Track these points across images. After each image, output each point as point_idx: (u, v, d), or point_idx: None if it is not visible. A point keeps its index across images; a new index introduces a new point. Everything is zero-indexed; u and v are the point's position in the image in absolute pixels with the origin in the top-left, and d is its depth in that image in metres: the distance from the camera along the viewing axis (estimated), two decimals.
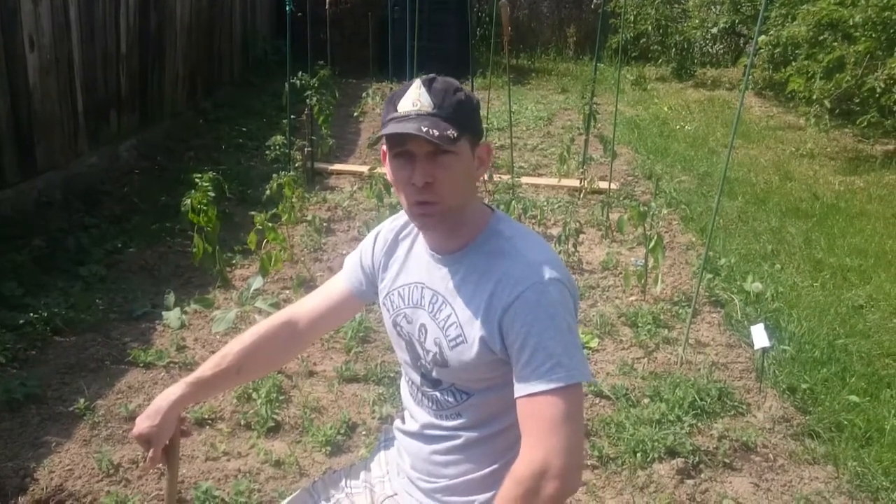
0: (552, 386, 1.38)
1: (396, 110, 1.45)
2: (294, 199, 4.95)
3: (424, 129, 1.39)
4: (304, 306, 1.77)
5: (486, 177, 5.35)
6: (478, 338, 1.47)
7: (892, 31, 7.05)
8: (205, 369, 1.66)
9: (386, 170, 1.55)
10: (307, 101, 6.18)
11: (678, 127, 8.57)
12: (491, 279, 1.48)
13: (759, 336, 3.33)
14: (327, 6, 7.94)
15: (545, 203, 5.71)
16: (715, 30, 11.52)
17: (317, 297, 1.78)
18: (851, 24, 7.21)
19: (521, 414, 1.42)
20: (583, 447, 1.44)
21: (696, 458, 2.90)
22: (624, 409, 3.20)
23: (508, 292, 1.44)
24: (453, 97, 1.46)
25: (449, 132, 1.41)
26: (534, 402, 1.39)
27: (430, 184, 1.44)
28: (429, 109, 1.43)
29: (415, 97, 1.44)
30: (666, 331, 3.88)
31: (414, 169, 1.44)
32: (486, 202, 1.66)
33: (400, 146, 1.45)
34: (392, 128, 1.43)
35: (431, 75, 1.49)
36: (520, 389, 1.42)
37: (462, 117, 1.46)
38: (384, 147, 1.53)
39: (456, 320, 1.51)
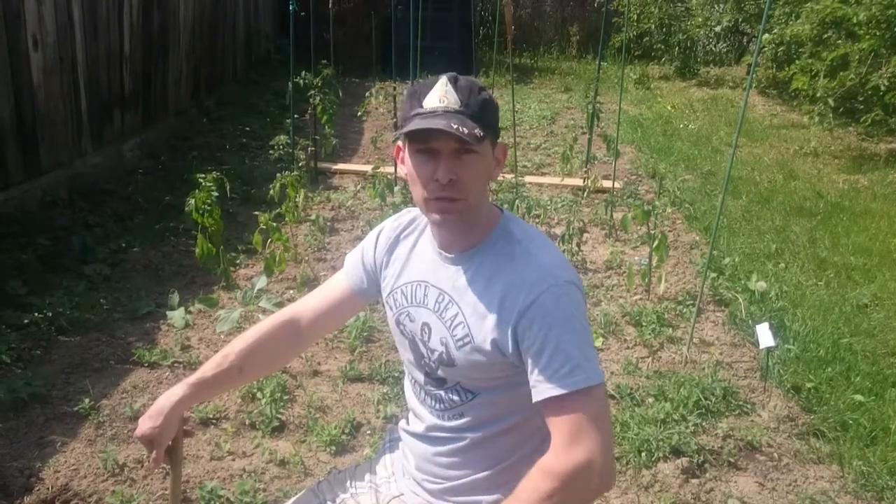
0: (573, 389, 1.38)
1: (422, 106, 1.44)
2: (298, 199, 4.95)
3: (454, 126, 1.38)
4: (306, 305, 1.76)
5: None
6: (488, 339, 1.47)
7: None
8: (206, 369, 1.66)
9: (402, 165, 1.54)
10: (310, 100, 6.18)
11: (682, 126, 8.56)
12: (501, 281, 1.47)
13: (764, 335, 3.33)
14: (330, 5, 7.92)
15: (549, 202, 5.71)
16: (718, 28, 11.50)
17: (318, 295, 1.77)
18: (855, 22, 7.20)
19: (549, 417, 1.41)
20: (613, 447, 1.45)
21: (701, 458, 2.90)
22: (628, 408, 3.20)
23: (524, 296, 1.43)
24: (479, 96, 1.46)
25: (476, 131, 1.40)
26: (562, 405, 1.38)
27: (454, 181, 1.43)
28: (456, 107, 1.42)
29: (441, 94, 1.44)
30: (670, 330, 3.87)
31: (438, 165, 1.43)
32: (490, 201, 1.66)
33: (424, 143, 1.44)
34: (419, 123, 1.42)
35: (453, 73, 1.48)
36: (541, 392, 1.41)
37: (487, 116, 1.46)
38: (400, 143, 1.52)
39: (463, 320, 1.51)
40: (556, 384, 1.39)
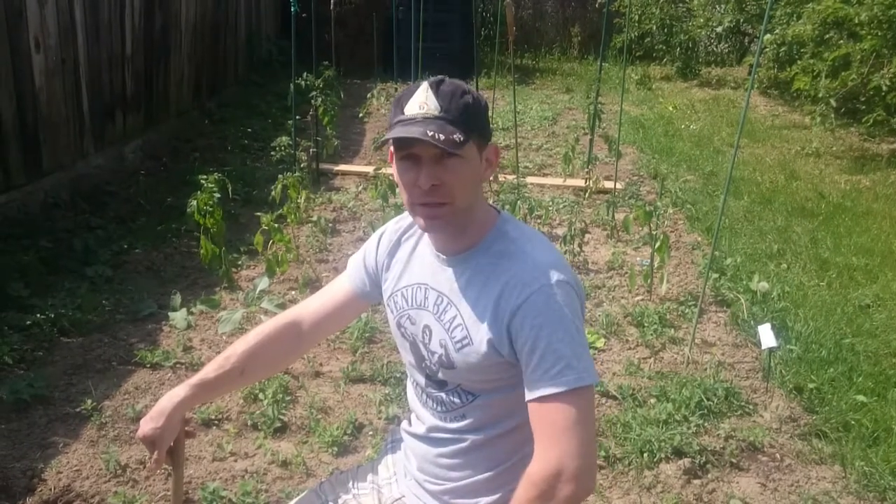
0: (562, 389, 1.38)
1: (403, 113, 1.44)
2: (299, 200, 4.95)
3: (430, 134, 1.38)
4: (308, 307, 1.76)
5: (491, 177, 5.35)
6: (485, 340, 1.47)
7: None
8: (208, 371, 1.66)
9: (392, 170, 1.55)
10: (312, 101, 6.19)
11: (683, 126, 8.56)
12: (498, 281, 1.48)
13: (766, 336, 3.32)
14: (332, 6, 7.94)
15: (550, 203, 5.71)
16: (720, 29, 11.49)
17: (321, 297, 1.78)
18: (857, 22, 7.19)
19: (532, 417, 1.41)
20: (596, 449, 1.44)
21: (703, 458, 2.90)
22: (630, 409, 3.20)
23: (517, 295, 1.44)
24: (460, 100, 1.44)
25: (455, 136, 1.40)
26: (545, 405, 1.39)
27: (437, 186, 1.44)
28: (435, 113, 1.42)
29: (421, 100, 1.43)
30: (672, 331, 3.87)
31: (420, 172, 1.44)
32: (492, 202, 1.66)
33: (406, 149, 1.45)
34: (398, 131, 1.42)
35: (440, 77, 1.48)
36: (530, 393, 1.41)
37: (469, 120, 1.44)
38: (391, 148, 1.53)
39: (461, 322, 1.51)
40: (547, 383, 1.39)
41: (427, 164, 1.43)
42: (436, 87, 1.45)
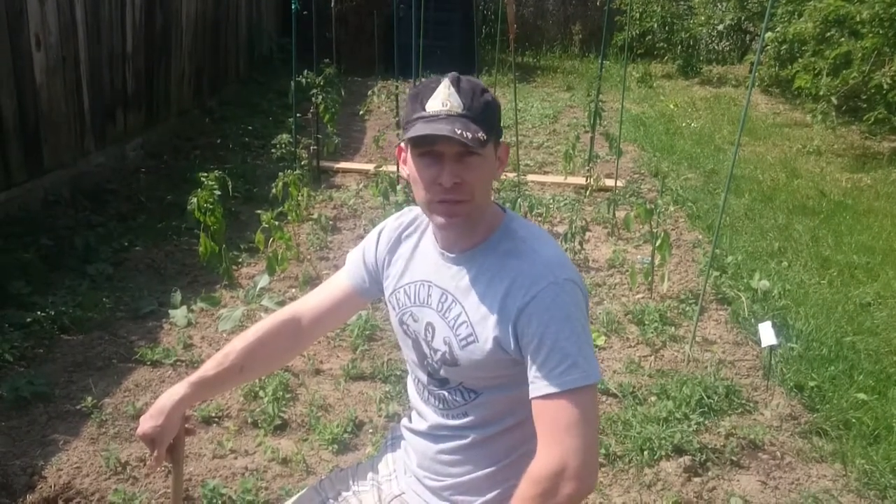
0: (567, 387, 1.38)
1: (424, 109, 1.44)
2: (300, 198, 4.95)
3: (458, 132, 1.38)
4: (307, 304, 1.76)
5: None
6: (491, 337, 1.47)
7: None
8: (208, 368, 1.66)
9: (404, 166, 1.55)
10: (313, 99, 6.18)
11: (684, 124, 8.55)
12: (504, 279, 1.48)
13: (767, 334, 3.32)
14: (333, 4, 7.94)
15: (551, 201, 5.71)
16: (721, 27, 11.49)
17: (320, 294, 1.77)
18: (858, 20, 7.18)
19: (536, 414, 1.41)
20: (598, 447, 1.44)
21: (704, 456, 2.90)
22: (631, 406, 3.20)
23: (524, 293, 1.44)
24: (481, 98, 1.45)
25: (479, 134, 1.40)
26: (550, 403, 1.39)
27: (458, 184, 1.44)
28: (459, 110, 1.42)
29: (444, 97, 1.43)
30: (673, 328, 3.87)
31: (442, 169, 1.43)
32: (494, 200, 1.66)
33: (428, 146, 1.44)
34: (423, 128, 1.42)
35: (455, 74, 1.48)
36: (535, 390, 1.41)
37: (490, 119, 1.45)
38: (402, 144, 1.52)
39: (466, 319, 1.51)
40: (552, 381, 1.39)
41: (449, 161, 1.43)
42: (457, 84, 1.45)
